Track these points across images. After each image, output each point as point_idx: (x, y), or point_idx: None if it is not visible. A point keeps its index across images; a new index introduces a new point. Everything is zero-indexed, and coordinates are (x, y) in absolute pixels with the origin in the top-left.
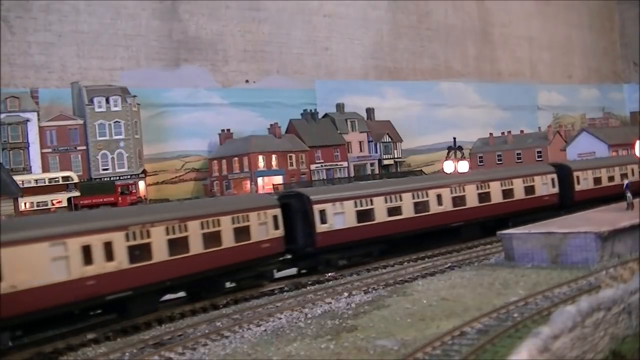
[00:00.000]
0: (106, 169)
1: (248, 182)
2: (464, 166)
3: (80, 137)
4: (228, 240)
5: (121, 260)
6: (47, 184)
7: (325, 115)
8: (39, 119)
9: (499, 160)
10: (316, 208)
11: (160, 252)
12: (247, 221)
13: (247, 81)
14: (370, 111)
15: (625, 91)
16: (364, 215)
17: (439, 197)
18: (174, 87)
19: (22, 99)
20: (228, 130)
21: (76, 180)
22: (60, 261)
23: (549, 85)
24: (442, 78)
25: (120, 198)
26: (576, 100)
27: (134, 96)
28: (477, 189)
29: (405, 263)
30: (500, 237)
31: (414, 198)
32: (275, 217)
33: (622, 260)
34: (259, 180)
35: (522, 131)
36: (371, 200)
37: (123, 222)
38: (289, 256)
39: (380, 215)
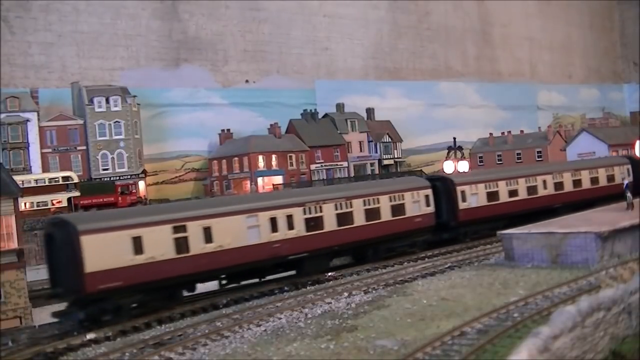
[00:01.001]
0: (106, 169)
1: (248, 182)
2: (463, 166)
3: (80, 137)
4: (386, 215)
5: (299, 229)
6: (47, 184)
7: (325, 115)
8: (39, 119)
9: (499, 160)
10: (459, 189)
11: (330, 223)
12: (402, 199)
13: (247, 81)
14: (370, 111)
15: (625, 91)
16: (492, 195)
17: (544, 182)
18: (174, 87)
19: (22, 99)
20: (228, 130)
21: (76, 180)
22: (254, 229)
23: (549, 85)
24: (442, 78)
25: (120, 198)
26: (576, 100)
27: (134, 96)
28: (572, 176)
29: (405, 263)
30: (500, 237)
31: (527, 183)
32: (427, 196)
33: (622, 260)
34: (259, 180)
35: (522, 131)
36: (497, 184)
37: (301, 200)
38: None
39: (504, 196)
